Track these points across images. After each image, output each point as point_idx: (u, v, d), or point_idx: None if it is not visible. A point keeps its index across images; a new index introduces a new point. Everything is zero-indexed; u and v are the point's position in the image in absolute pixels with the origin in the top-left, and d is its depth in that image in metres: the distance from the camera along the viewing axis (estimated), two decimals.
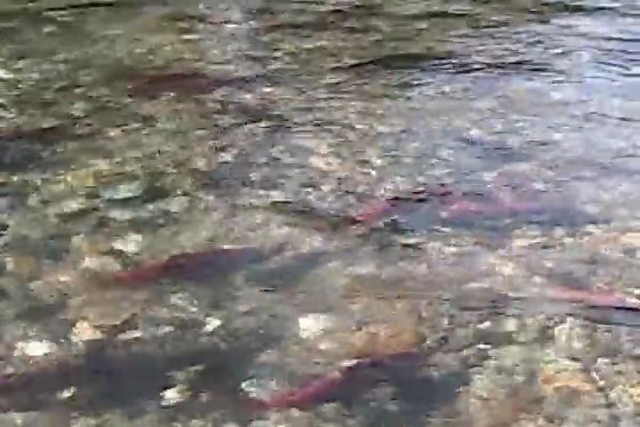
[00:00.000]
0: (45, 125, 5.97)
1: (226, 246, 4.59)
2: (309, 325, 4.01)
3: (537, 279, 4.31)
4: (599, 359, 3.80)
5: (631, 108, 6.20)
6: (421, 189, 5.14)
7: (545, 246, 4.58)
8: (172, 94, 6.37)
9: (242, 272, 4.37)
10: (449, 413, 3.52)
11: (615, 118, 6.05)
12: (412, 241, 4.64)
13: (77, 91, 6.48)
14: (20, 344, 3.88)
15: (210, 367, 3.75)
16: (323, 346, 3.87)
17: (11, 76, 6.72)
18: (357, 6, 8.29)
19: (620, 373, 3.73)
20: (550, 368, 3.75)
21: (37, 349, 3.86)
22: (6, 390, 3.68)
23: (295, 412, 3.47)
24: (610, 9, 8.37)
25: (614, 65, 6.96)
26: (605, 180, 5.23)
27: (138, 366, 3.81)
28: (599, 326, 3.98)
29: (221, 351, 3.86)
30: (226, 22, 7.74)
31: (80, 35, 7.49)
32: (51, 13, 7.91)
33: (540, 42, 7.47)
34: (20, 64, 6.91)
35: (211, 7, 8.03)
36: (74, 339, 3.92)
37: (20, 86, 6.56)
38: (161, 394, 3.60)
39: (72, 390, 3.63)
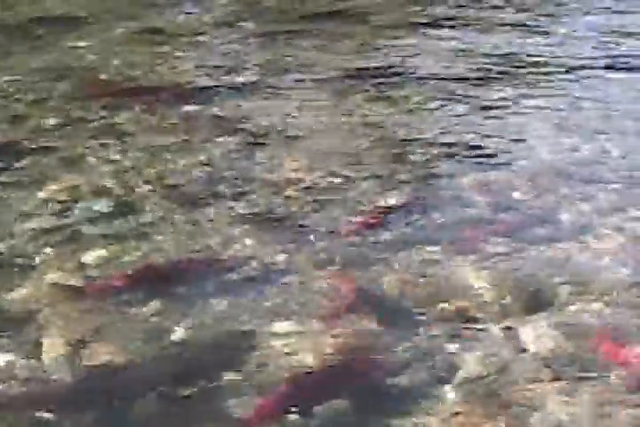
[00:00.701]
0: (17, 139, 5.96)
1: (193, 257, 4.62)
2: (277, 334, 4.05)
3: (506, 290, 4.35)
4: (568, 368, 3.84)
5: (605, 117, 6.23)
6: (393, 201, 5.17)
7: (516, 256, 4.62)
8: (145, 108, 6.38)
9: (209, 283, 4.39)
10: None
11: (589, 127, 6.08)
12: (383, 253, 4.66)
13: (49, 104, 6.47)
14: None
15: (178, 378, 3.76)
16: (289, 355, 3.90)
17: None
18: (331, 13, 8.29)
19: (587, 379, 3.76)
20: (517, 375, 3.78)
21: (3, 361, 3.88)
22: None
23: None
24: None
25: (586, 68, 6.99)
26: (578, 188, 5.28)
27: (107, 377, 3.82)
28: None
29: (189, 362, 3.87)
30: (197, 35, 7.75)
31: (52, 47, 7.49)
32: (23, 26, 7.88)
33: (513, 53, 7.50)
34: None
35: (182, 20, 8.04)
36: (43, 352, 3.93)
37: None
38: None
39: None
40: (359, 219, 4.98)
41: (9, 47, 7.56)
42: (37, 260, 4.62)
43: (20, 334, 4.04)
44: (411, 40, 7.76)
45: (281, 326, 4.10)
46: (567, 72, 7.07)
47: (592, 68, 7.11)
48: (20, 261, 4.63)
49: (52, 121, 6.21)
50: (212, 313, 4.18)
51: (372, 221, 4.95)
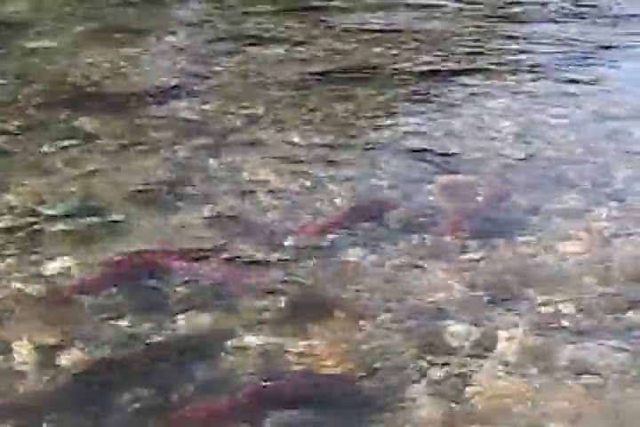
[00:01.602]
0: None
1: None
2: (248, 339, 4.05)
3: (476, 291, 4.37)
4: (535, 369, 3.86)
5: (575, 117, 6.28)
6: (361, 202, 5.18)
7: (482, 257, 4.65)
8: (110, 110, 6.33)
9: (180, 286, 4.39)
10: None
11: (557, 127, 6.11)
12: (351, 256, 4.67)
13: (12, 106, 6.39)
14: None
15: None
16: (255, 361, 3.90)
17: None
18: (301, 16, 8.28)
19: (552, 375, 3.80)
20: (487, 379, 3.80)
21: None
22: None
23: None
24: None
25: (557, 70, 7.05)
26: (544, 188, 5.32)
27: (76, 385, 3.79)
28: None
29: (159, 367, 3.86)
30: (164, 36, 7.70)
31: (14, 48, 7.42)
32: None
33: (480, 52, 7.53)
34: None
35: (148, 20, 7.99)
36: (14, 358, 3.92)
37: None
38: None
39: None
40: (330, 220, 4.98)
41: None
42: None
43: None
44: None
45: (251, 331, 4.09)
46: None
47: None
48: None
49: (15, 123, 6.13)
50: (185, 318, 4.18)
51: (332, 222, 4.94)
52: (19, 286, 4.41)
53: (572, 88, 6.81)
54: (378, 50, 7.55)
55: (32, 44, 7.50)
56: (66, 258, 4.63)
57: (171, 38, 7.72)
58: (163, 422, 3.59)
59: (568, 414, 3.62)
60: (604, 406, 3.67)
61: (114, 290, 4.36)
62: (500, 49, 7.64)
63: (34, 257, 4.64)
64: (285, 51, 7.46)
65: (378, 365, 3.88)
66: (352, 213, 5.05)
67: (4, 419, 3.61)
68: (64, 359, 3.93)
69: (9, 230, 4.89)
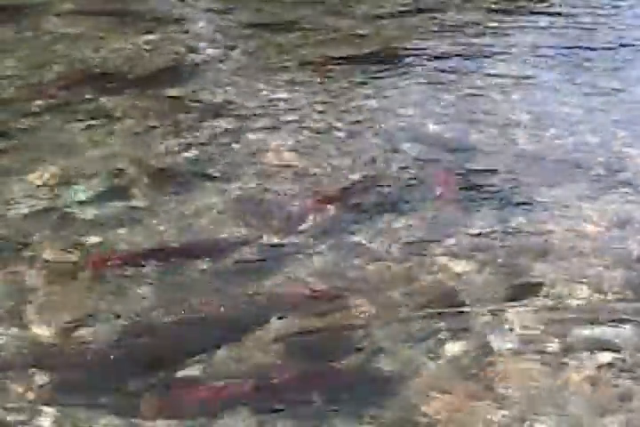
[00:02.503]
0: (3, 122, 5.92)
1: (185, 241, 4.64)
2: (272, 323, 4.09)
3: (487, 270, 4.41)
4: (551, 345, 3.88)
5: (588, 106, 6.26)
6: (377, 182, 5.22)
7: (497, 237, 4.67)
8: (133, 93, 6.35)
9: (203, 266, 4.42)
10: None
11: (570, 116, 6.10)
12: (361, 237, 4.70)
13: (37, 88, 6.41)
14: None
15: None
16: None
17: None
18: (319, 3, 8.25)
19: (568, 355, 3.83)
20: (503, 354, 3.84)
21: None
22: None
23: None
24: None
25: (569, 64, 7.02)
26: (560, 175, 5.32)
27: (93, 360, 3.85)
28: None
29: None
30: (186, 23, 7.71)
31: (40, 33, 7.43)
32: (8, 10, 7.80)
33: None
34: None
35: (171, 9, 7.98)
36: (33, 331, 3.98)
37: None
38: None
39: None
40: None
41: None
42: (30, 243, 4.63)
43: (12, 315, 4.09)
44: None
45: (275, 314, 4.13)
46: None
47: None
48: (13, 244, 4.63)
49: (40, 105, 6.15)
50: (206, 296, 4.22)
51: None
52: (46, 261, 4.47)
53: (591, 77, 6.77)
54: (397, 34, 7.51)
55: (57, 30, 7.50)
56: (92, 239, 4.68)
57: (192, 25, 7.70)
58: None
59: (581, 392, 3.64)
60: (618, 384, 3.68)
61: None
62: (517, 36, 7.59)
63: (62, 237, 4.69)
64: (305, 36, 7.42)
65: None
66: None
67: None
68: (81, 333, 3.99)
69: (34, 211, 4.93)
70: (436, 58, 6.96)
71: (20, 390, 3.68)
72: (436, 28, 7.57)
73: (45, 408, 3.59)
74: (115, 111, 6.07)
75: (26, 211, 4.94)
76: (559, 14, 7.90)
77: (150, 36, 7.38)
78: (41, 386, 3.69)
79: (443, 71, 6.75)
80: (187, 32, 7.50)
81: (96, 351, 3.86)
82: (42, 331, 4.01)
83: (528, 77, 6.71)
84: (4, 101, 6.22)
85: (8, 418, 3.55)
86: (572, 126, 5.95)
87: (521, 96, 6.41)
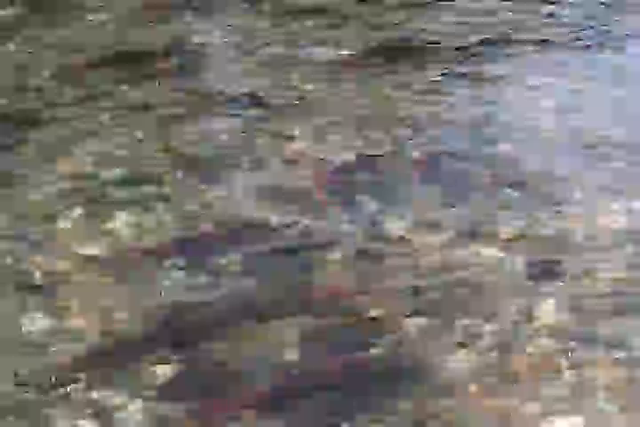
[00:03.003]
0: (34, 110, 5.96)
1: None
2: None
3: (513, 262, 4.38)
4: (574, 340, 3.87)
5: (615, 95, 6.19)
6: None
7: (521, 231, 4.64)
8: (162, 81, 6.36)
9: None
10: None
11: (598, 104, 6.04)
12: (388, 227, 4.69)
13: (68, 75, 6.44)
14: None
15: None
16: None
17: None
18: None
19: (592, 348, 3.80)
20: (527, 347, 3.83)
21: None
22: None
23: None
24: None
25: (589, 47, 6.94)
26: (587, 164, 5.27)
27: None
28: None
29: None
30: (215, 12, 7.71)
31: (72, 20, 7.46)
32: None
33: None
34: (9, 48, 6.86)
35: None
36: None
37: (9, 71, 6.51)
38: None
39: None
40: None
41: (25, 20, 7.49)
42: (60, 227, 4.67)
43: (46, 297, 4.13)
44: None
45: None
46: None
47: None
48: (43, 227, 4.66)
49: (70, 92, 6.19)
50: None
51: None
52: (80, 248, 4.51)
53: (613, 68, 6.69)
54: (421, 25, 7.48)
55: (89, 17, 7.52)
56: (122, 224, 4.71)
57: (220, 15, 7.68)
58: None
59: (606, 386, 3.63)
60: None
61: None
62: (543, 24, 7.51)
63: (92, 222, 4.72)
64: (329, 25, 7.39)
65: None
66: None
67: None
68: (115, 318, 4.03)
69: (67, 196, 4.97)
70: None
71: None
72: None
73: None
74: (143, 100, 6.09)
75: (55, 197, 4.97)
76: None
77: (182, 26, 7.38)
78: None
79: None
80: (215, 22, 7.49)
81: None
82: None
83: (552, 65, 6.64)
84: (35, 89, 6.26)
85: None
86: (598, 116, 5.89)
87: (546, 84, 6.34)
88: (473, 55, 6.78)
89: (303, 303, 4.11)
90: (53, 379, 3.64)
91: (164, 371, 3.70)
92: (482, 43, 6.93)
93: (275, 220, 4.70)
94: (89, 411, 3.50)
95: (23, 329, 3.97)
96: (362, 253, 4.46)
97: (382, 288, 4.20)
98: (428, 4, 7.78)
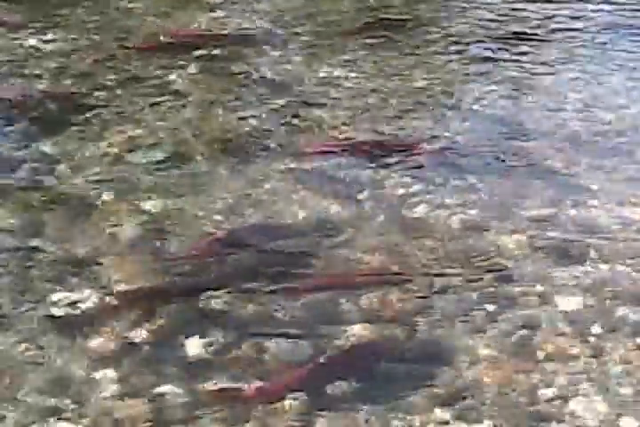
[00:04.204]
0: (78, 94, 5.99)
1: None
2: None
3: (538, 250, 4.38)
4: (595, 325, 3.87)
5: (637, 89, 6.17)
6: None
7: (547, 219, 4.64)
8: (199, 67, 6.38)
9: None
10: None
11: (618, 101, 6.01)
12: (419, 212, 4.70)
13: (109, 62, 6.48)
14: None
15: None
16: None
17: (45, 46, 6.74)
18: None
19: (613, 337, 3.80)
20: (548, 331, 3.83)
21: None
22: None
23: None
24: None
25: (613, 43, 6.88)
26: (608, 158, 5.24)
27: None
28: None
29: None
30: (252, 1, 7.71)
31: (110, 8, 7.49)
32: None
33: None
34: (54, 35, 6.91)
35: None
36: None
37: (53, 57, 6.56)
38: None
39: None
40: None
41: (70, 8, 7.52)
42: (99, 207, 4.72)
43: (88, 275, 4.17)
44: None
45: None
46: None
47: None
48: (83, 207, 4.72)
49: (111, 78, 6.22)
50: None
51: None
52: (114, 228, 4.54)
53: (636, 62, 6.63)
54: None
55: (128, 5, 7.56)
56: (158, 204, 4.74)
57: (257, 4, 7.67)
58: None
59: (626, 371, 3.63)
60: None
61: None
62: (566, 17, 7.47)
63: (127, 201, 4.76)
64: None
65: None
66: None
67: None
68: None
69: (100, 180, 5.01)
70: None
71: None
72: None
73: None
74: (180, 85, 6.11)
75: (96, 177, 5.01)
76: None
77: (216, 13, 7.39)
78: None
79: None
80: (252, 11, 7.49)
81: None
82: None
83: (573, 61, 6.62)
84: (81, 75, 6.28)
85: None
86: (620, 110, 5.85)
87: (568, 79, 6.32)
88: None
89: None
90: None
91: None
92: None
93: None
94: None
95: None
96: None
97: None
98: None
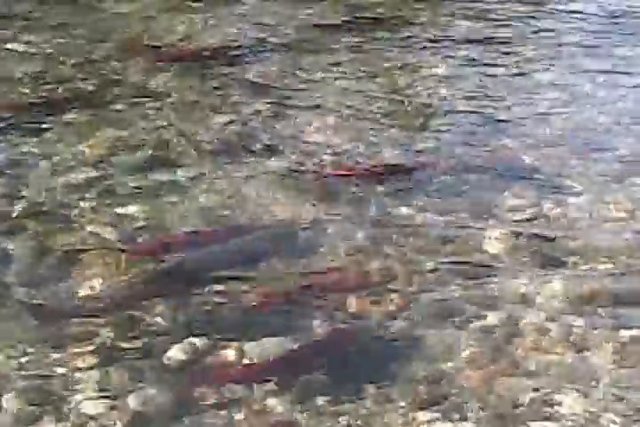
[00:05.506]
0: (59, 97, 5.92)
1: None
2: None
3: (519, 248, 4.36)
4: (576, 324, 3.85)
5: (617, 89, 6.15)
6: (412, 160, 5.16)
7: (530, 218, 4.62)
8: (182, 70, 6.32)
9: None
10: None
11: (602, 98, 6.00)
12: (404, 211, 4.66)
13: (90, 65, 6.41)
14: None
15: None
16: None
17: (25, 49, 6.67)
18: None
19: (595, 336, 3.78)
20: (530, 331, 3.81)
21: None
22: None
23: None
24: None
25: (599, 47, 6.87)
26: (589, 155, 5.23)
27: None
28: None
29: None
30: (237, 4, 7.65)
31: (94, 11, 7.43)
32: None
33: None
34: (35, 38, 6.84)
35: None
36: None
37: (34, 60, 6.49)
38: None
39: None
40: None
41: (51, 11, 7.46)
42: (77, 211, 4.65)
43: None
44: None
45: None
46: None
47: None
48: (62, 211, 4.65)
49: (93, 81, 6.15)
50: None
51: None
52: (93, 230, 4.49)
53: (617, 60, 6.63)
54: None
55: (112, 9, 7.49)
56: (137, 207, 4.68)
57: (241, 8, 7.62)
58: None
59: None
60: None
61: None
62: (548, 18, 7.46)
63: (106, 205, 4.70)
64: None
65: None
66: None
67: None
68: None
69: (83, 179, 4.94)
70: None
71: None
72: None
73: None
74: (163, 87, 6.05)
75: (75, 181, 4.94)
76: None
77: (200, 16, 7.35)
78: None
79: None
80: (236, 14, 7.43)
81: None
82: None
83: (557, 59, 6.60)
84: (62, 78, 6.21)
85: None
86: (602, 108, 5.83)
87: (551, 78, 6.30)
88: None
89: None
90: None
91: None
92: None
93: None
94: None
95: None
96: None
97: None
98: None
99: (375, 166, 5.02)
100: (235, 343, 3.72)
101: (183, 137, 5.40)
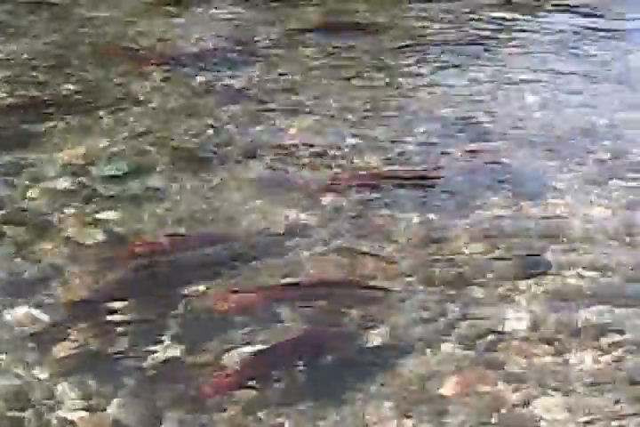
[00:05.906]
0: (35, 104, 5.88)
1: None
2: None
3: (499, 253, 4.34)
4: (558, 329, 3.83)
5: (597, 90, 6.17)
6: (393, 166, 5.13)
7: (508, 218, 4.61)
8: (159, 75, 6.29)
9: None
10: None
11: (577, 99, 6.01)
12: (383, 212, 4.65)
13: (67, 71, 6.38)
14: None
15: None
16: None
17: (1, 55, 6.62)
18: None
19: (577, 341, 3.75)
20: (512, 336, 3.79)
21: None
22: None
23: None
24: None
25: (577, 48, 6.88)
26: (569, 157, 5.23)
27: None
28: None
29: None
30: (209, 8, 7.64)
31: (70, 17, 7.39)
32: None
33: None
34: (10, 44, 6.79)
35: None
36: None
37: (10, 65, 6.45)
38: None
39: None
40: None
41: (27, 16, 7.43)
42: (57, 220, 4.60)
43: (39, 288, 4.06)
44: None
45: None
46: None
47: None
48: (42, 220, 4.61)
49: (69, 87, 6.12)
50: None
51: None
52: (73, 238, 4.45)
53: (593, 64, 6.64)
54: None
55: (89, 14, 7.45)
56: (116, 215, 4.64)
57: (216, 11, 7.60)
58: None
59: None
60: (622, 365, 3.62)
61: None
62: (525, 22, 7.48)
63: (85, 213, 4.65)
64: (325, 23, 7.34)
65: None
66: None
67: None
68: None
69: (62, 189, 4.90)
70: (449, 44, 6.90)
71: None
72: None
73: None
74: (140, 94, 6.02)
75: (54, 188, 4.90)
76: None
77: (176, 20, 7.31)
78: None
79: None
80: (215, 19, 7.41)
81: None
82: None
83: (533, 64, 6.61)
84: (38, 84, 6.17)
85: None
86: (579, 110, 5.83)
87: (528, 81, 6.30)
88: None
89: None
90: None
91: None
92: None
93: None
94: None
95: None
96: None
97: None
98: None
99: (357, 174, 4.99)
100: (211, 348, 3.68)
101: (161, 143, 5.36)
